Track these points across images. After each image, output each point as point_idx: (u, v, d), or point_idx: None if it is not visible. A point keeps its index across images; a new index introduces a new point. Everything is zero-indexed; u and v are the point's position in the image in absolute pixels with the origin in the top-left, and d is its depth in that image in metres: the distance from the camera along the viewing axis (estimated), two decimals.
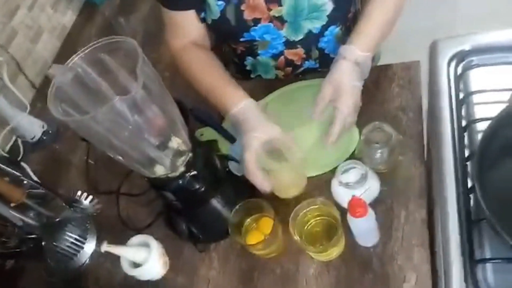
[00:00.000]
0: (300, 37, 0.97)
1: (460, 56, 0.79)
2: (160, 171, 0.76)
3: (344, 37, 0.96)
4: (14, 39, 1.29)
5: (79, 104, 0.67)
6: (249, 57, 1.06)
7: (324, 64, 1.03)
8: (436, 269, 0.69)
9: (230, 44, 1.04)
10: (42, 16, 1.39)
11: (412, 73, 0.93)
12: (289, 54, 1.02)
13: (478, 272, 0.62)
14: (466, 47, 0.80)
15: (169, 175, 0.76)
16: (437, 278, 0.67)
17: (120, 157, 0.73)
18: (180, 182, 0.77)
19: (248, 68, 1.10)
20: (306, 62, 1.04)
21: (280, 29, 0.96)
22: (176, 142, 0.76)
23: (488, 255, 0.65)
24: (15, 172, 0.87)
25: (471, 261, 0.63)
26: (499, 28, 0.81)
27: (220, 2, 0.90)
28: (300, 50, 1.01)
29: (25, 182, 0.92)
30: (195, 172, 0.77)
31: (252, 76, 1.12)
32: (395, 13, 0.87)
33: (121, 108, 0.59)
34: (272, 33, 0.97)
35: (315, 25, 0.95)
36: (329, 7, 0.91)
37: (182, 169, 0.76)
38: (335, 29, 0.97)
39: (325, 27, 0.96)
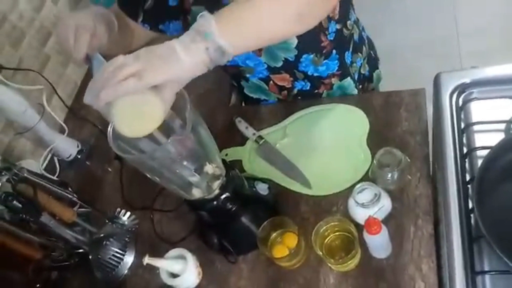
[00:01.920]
0: (280, 64, 1.04)
1: (461, 89, 0.89)
2: (197, 194, 0.86)
3: (319, 61, 1.04)
4: (47, 64, 1.40)
5: (131, 138, 0.77)
6: (243, 80, 1.14)
7: (314, 84, 1.11)
8: (442, 279, 0.79)
9: (222, 67, 1.12)
10: None
11: (419, 99, 1.02)
12: (276, 79, 1.10)
13: (478, 283, 0.72)
14: (467, 80, 0.90)
15: (205, 197, 0.86)
16: (443, 287, 0.77)
17: (162, 181, 0.83)
18: (215, 203, 0.86)
19: (245, 91, 1.19)
20: (296, 83, 1.11)
21: (259, 56, 1.03)
22: (211, 168, 0.85)
23: (486, 267, 0.74)
24: (65, 193, 0.97)
25: (472, 273, 0.72)
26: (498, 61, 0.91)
27: None
28: (285, 75, 1.08)
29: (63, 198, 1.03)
30: (228, 194, 0.87)
31: (255, 97, 1.20)
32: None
33: (172, 147, 0.70)
34: (253, 59, 1.04)
35: (288, 54, 1.01)
36: (294, 40, 0.98)
37: (217, 191, 0.86)
38: (309, 56, 1.02)
39: (298, 56, 1.02)
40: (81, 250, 0.99)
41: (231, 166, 0.91)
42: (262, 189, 0.97)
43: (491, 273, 0.73)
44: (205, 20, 0.64)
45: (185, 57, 0.62)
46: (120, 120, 0.66)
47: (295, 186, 1.00)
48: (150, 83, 0.62)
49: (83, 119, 1.35)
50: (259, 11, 0.68)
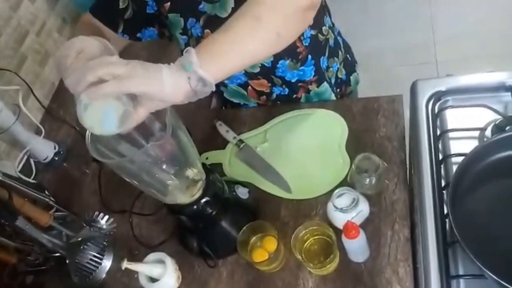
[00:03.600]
0: (257, 70, 1.05)
1: (437, 96, 0.92)
2: (177, 198, 0.85)
3: (296, 66, 1.05)
4: (24, 64, 1.37)
5: (109, 142, 0.76)
6: (221, 86, 1.15)
7: (291, 89, 1.12)
8: (418, 283, 0.80)
9: None
10: (49, 41, 1.47)
11: (396, 105, 1.04)
12: (254, 84, 1.11)
13: (453, 286, 0.74)
14: (442, 88, 0.92)
15: (185, 202, 0.86)
16: None
17: (140, 185, 0.83)
18: (195, 207, 0.86)
19: (225, 95, 1.20)
20: (274, 88, 1.12)
21: None
22: (192, 172, 0.85)
23: (461, 272, 0.76)
24: (41, 196, 0.95)
25: (447, 277, 0.74)
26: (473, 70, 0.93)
27: (184, 37, 1.01)
28: (263, 81, 1.09)
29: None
30: (208, 198, 0.87)
31: (235, 101, 1.20)
32: (251, 30, 0.71)
33: (151, 151, 0.69)
34: None
35: (265, 60, 1.03)
36: None
37: (197, 196, 0.86)
38: (285, 62, 1.04)
39: (275, 62, 1.03)
40: (57, 254, 0.97)
41: (211, 170, 0.91)
42: (242, 193, 0.97)
43: (466, 277, 0.75)
44: (187, 53, 0.66)
45: (168, 80, 0.63)
46: (86, 115, 0.64)
47: (275, 190, 1.01)
48: (127, 89, 0.62)
49: (60, 120, 1.34)
50: (239, 37, 0.70)
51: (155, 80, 0.63)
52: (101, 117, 0.64)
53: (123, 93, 0.63)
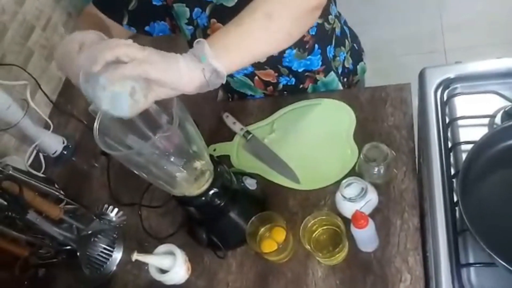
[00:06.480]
0: (264, 59, 1.04)
1: (445, 84, 0.91)
2: (185, 190, 0.85)
3: (303, 55, 1.04)
4: (31, 59, 1.37)
5: (117, 134, 0.76)
6: (228, 76, 1.15)
7: (298, 79, 1.11)
8: (428, 271, 0.80)
9: None
10: (55, 36, 1.47)
11: (404, 94, 1.03)
12: (261, 74, 1.11)
13: (463, 275, 0.74)
14: (451, 75, 0.91)
15: (194, 193, 0.86)
16: (429, 279, 0.79)
17: (149, 177, 0.83)
18: (203, 199, 0.86)
19: (232, 86, 1.19)
20: (281, 78, 1.11)
21: None
22: (199, 164, 0.86)
23: (471, 260, 0.76)
24: (51, 190, 0.96)
25: (457, 265, 0.74)
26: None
27: (190, 27, 1.00)
28: (270, 71, 1.09)
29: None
30: (216, 190, 0.87)
31: (243, 92, 1.20)
32: (265, 22, 0.71)
33: (159, 143, 0.69)
34: None
35: None
36: None
37: (205, 187, 0.86)
38: (292, 51, 1.04)
39: (281, 51, 1.02)
40: (68, 247, 0.98)
41: (219, 162, 0.91)
42: (250, 184, 0.97)
43: (476, 265, 0.75)
44: (200, 45, 0.67)
45: (184, 69, 0.64)
46: (104, 95, 0.64)
47: (283, 181, 1.01)
48: (146, 74, 0.62)
49: (68, 114, 1.34)
50: (251, 33, 0.71)
51: (173, 69, 0.64)
52: (116, 99, 0.63)
53: (142, 77, 0.62)
